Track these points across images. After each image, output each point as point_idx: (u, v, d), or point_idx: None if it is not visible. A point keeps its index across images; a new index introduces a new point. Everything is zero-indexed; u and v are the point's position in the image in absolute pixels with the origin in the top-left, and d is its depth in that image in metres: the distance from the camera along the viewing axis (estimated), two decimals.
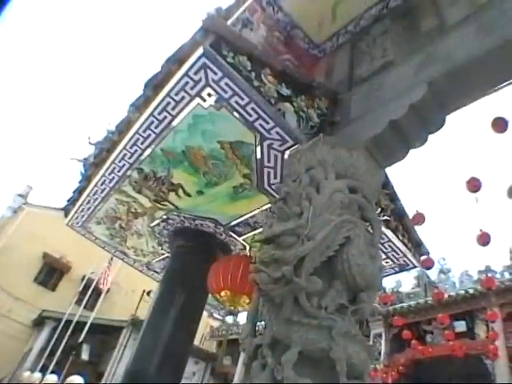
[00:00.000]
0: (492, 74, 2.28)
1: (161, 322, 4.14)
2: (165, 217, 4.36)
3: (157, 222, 4.47)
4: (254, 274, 1.85)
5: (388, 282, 12.64)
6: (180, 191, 3.83)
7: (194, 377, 17.14)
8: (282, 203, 2.17)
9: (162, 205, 4.13)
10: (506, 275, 11.56)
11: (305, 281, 1.79)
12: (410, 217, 3.88)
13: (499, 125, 3.47)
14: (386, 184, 3.36)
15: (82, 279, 16.27)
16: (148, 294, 13.57)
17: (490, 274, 9.29)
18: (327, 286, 1.88)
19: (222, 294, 3.74)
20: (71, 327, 13.21)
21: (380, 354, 12.84)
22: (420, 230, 4.31)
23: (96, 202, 4.34)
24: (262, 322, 2.05)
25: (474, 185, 4.29)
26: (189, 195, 3.85)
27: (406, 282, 14.41)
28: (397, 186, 3.53)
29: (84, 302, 14.33)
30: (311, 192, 2.14)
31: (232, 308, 3.79)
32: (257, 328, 2.14)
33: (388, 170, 3.20)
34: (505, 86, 2.44)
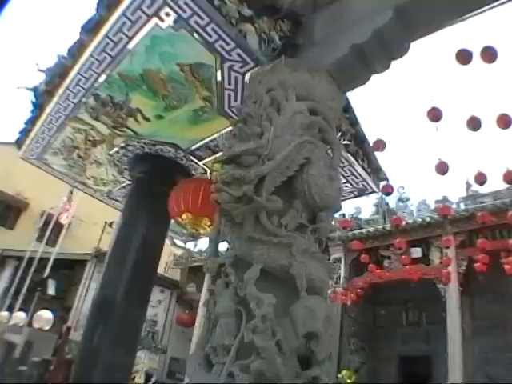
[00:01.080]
0: (458, 2, 2.29)
1: (124, 250, 4.22)
2: (124, 144, 4.29)
3: (116, 149, 4.40)
4: (216, 194, 1.91)
5: (348, 209, 13.16)
6: (139, 116, 3.76)
7: (159, 305, 17.78)
8: (243, 124, 2.19)
9: (121, 131, 4.05)
10: (462, 206, 12.29)
11: (265, 200, 1.86)
12: (371, 143, 4.00)
13: (464, 56, 3.53)
14: (348, 108, 3.42)
15: (42, 215, 16.08)
16: (110, 225, 13.62)
17: (446, 204, 9.86)
18: (287, 205, 1.96)
19: (184, 217, 3.83)
20: (34, 264, 13.19)
21: (339, 277, 13.71)
22: (380, 158, 4.47)
23: (51, 132, 4.21)
24: (225, 242, 2.14)
25: (434, 114, 4.41)
26: (148, 120, 3.79)
27: (366, 209, 15.09)
28: (358, 111, 3.59)
29: (45, 238, 14.24)
30: (272, 113, 2.17)
31: (194, 231, 3.90)
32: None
33: (350, 95, 3.25)
34: (471, 16, 2.46)
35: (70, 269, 15.75)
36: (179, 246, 18.15)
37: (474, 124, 4.33)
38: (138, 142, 4.25)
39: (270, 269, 1.83)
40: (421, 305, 14.25)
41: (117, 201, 5.50)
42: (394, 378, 13.03)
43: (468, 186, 12.70)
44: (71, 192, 12.53)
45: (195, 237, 3.93)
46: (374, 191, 4.26)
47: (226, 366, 1.69)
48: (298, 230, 1.93)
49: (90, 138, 4.31)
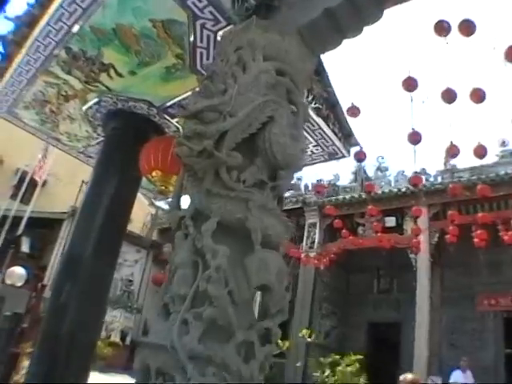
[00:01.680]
0: None
1: (94, 207, 4.28)
2: (97, 99, 4.27)
3: (89, 104, 4.38)
4: (177, 148, 1.96)
5: (326, 175, 13.32)
6: (112, 71, 3.75)
7: (136, 265, 17.98)
8: (208, 81, 2.22)
9: (94, 86, 4.04)
10: (439, 179, 12.56)
11: (225, 155, 1.92)
12: (345, 109, 4.06)
13: (441, 28, 3.57)
14: (321, 72, 3.45)
15: (16, 172, 15.83)
16: (87, 183, 13.58)
17: (423, 176, 10.06)
18: (248, 162, 2.03)
19: (153, 174, 3.88)
20: (8, 222, 13.09)
21: (314, 242, 14.03)
22: (360, 129, 4.55)
23: (21, 85, 4.17)
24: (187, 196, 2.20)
25: (410, 84, 4.47)
26: (121, 76, 3.80)
27: (344, 176, 15.29)
28: (333, 76, 3.63)
29: (20, 195, 14.08)
30: (237, 71, 2.20)
31: (163, 188, 3.95)
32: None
33: (326, 60, 3.27)
34: None
35: (46, 228, 15.69)
36: (156, 206, 18.21)
37: (450, 96, 4.41)
38: (111, 98, 4.24)
39: (226, 222, 1.91)
40: (392, 273, 14.78)
41: (91, 157, 5.50)
42: (363, 343, 13.60)
43: (446, 159, 12.95)
44: (46, 149, 12.37)
45: (164, 194, 3.98)
46: (344, 156, 4.35)
47: (181, 314, 1.78)
48: (256, 186, 2.00)
49: (63, 93, 4.28)
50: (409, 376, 3.84)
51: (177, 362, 1.64)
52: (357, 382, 3.13)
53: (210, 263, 1.82)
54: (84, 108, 4.47)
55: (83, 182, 14.56)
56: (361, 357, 3.42)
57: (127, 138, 4.36)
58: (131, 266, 17.25)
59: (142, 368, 1.82)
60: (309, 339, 3.67)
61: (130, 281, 17.63)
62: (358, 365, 3.33)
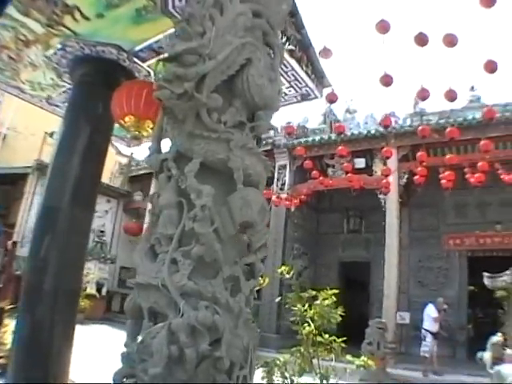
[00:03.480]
0: None
1: (68, 157, 4.23)
2: (62, 44, 4.12)
3: (53, 50, 4.23)
4: (158, 91, 1.99)
5: (295, 118, 13.36)
6: (77, 14, 3.61)
7: (106, 215, 17.96)
8: (185, 24, 2.21)
9: (58, 30, 3.88)
10: (408, 122, 12.81)
11: (206, 97, 1.97)
12: (317, 51, 4.09)
13: None
14: (295, 14, 3.44)
15: None
16: (51, 135, 13.18)
17: (392, 119, 10.24)
18: (227, 103, 2.08)
19: (126, 119, 3.84)
20: None
21: (284, 184, 14.29)
22: (331, 71, 4.58)
23: None
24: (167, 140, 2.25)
25: (382, 26, 4.50)
26: (87, 19, 3.66)
27: (314, 119, 15.38)
28: (306, 18, 3.63)
29: None
30: (214, 13, 2.20)
31: (136, 133, 3.94)
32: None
33: (299, 2, 3.26)
34: None
35: (10, 184, 15.33)
36: (124, 155, 17.95)
37: (422, 40, 4.48)
38: (77, 43, 4.09)
39: (209, 162, 1.99)
40: (362, 213, 15.33)
41: (57, 106, 5.36)
42: (334, 282, 14.24)
43: (415, 103, 13.17)
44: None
45: (138, 139, 3.97)
46: (316, 97, 4.42)
47: (169, 254, 1.88)
48: (236, 127, 2.07)
49: (22, 38, 4.09)
50: None
51: (169, 300, 1.75)
52: (334, 314, 3.37)
53: (194, 203, 1.91)
54: (47, 54, 4.30)
55: (46, 133, 14.15)
56: (336, 291, 3.66)
57: (97, 84, 4.26)
58: (102, 216, 17.21)
59: (133, 309, 1.93)
60: (287, 275, 3.88)
61: (102, 231, 17.66)
62: (334, 298, 3.59)
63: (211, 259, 1.86)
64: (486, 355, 8.04)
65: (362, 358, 4.40)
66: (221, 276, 1.85)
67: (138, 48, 4.12)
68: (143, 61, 4.34)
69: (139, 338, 1.78)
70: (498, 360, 7.54)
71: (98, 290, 16.51)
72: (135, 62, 4.36)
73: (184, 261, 1.84)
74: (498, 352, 7.74)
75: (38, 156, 14.60)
